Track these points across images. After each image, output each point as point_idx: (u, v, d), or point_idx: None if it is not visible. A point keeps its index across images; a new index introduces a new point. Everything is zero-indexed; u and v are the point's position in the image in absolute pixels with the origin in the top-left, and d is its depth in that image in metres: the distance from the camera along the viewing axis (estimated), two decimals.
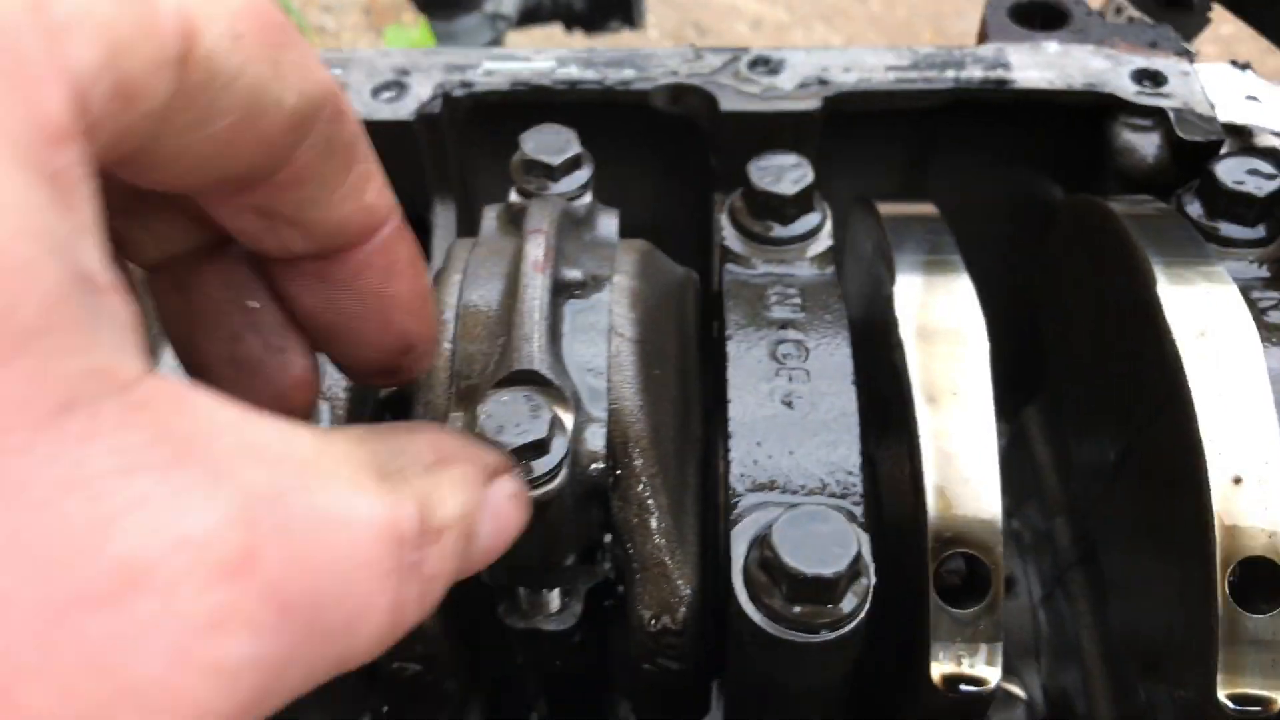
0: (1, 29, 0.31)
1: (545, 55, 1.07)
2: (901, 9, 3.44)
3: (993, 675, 0.67)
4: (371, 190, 0.48)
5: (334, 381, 0.79)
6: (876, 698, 0.80)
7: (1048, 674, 0.99)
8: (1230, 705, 0.66)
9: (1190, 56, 1.16)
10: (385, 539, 0.39)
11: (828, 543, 0.64)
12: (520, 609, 0.74)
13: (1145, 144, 1.02)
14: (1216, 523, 0.66)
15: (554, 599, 0.75)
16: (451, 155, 1.08)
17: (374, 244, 0.49)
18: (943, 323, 0.72)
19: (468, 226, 1.15)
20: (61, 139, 0.32)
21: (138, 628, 0.31)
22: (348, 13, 4.21)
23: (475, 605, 0.82)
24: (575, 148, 0.85)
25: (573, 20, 2.37)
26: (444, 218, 1.08)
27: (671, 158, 1.13)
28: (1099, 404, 0.92)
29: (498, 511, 0.49)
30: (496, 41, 2.29)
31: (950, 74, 1.03)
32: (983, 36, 1.13)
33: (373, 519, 0.39)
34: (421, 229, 1.08)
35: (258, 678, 0.34)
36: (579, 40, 2.46)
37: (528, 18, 2.34)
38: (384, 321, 0.51)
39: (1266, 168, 0.87)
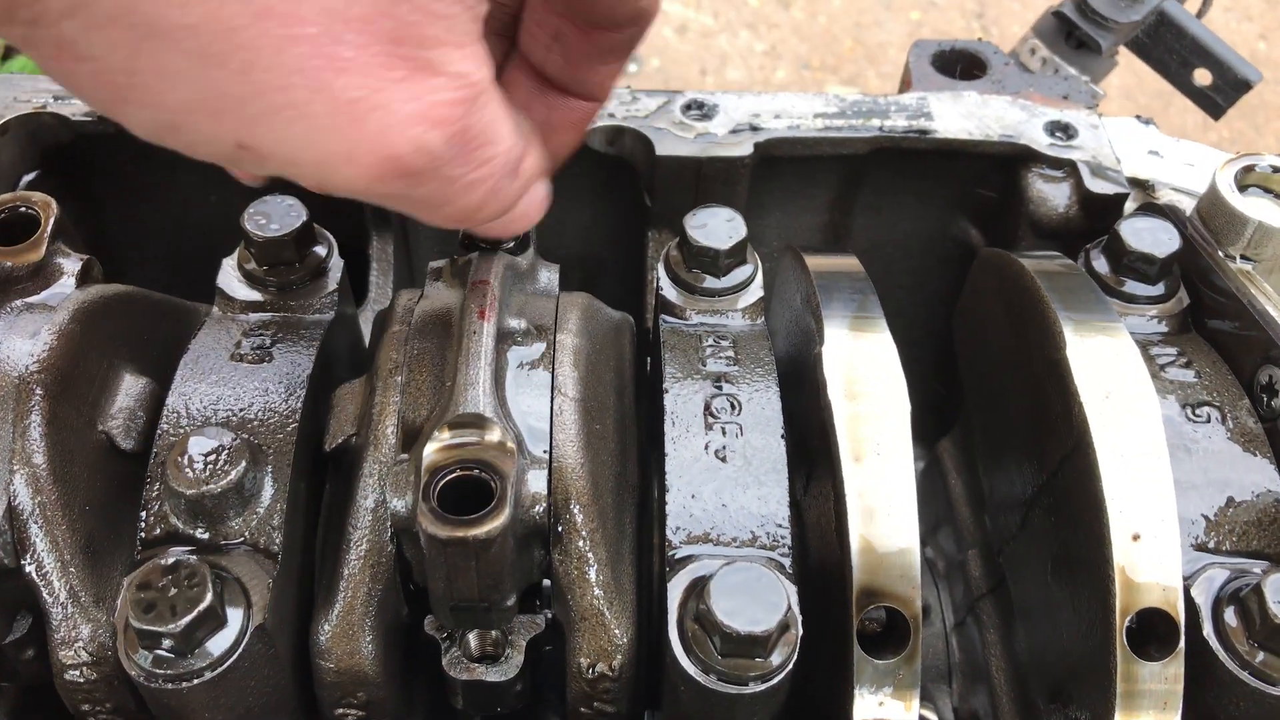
0: None
1: None
2: (823, 18, 3.49)
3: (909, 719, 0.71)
4: None
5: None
6: None
7: (959, 697, 1.04)
8: None
9: (1096, 98, 1.22)
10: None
11: (759, 600, 0.67)
12: (464, 661, 0.75)
13: (1057, 194, 1.07)
14: (1117, 576, 0.71)
15: (495, 649, 0.77)
16: None
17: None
18: (867, 383, 0.76)
19: (404, 258, 1.16)
20: None
21: None
22: None
23: (416, 654, 0.84)
24: None
25: None
26: (381, 251, 1.09)
27: (607, 193, 1.16)
28: (1011, 444, 0.97)
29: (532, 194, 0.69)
30: None
31: (875, 122, 1.07)
32: (906, 83, 1.18)
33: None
34: (360, 261, 1.08)
35: None
36: None
37: None
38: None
39: (1167, 229, 0.92)
